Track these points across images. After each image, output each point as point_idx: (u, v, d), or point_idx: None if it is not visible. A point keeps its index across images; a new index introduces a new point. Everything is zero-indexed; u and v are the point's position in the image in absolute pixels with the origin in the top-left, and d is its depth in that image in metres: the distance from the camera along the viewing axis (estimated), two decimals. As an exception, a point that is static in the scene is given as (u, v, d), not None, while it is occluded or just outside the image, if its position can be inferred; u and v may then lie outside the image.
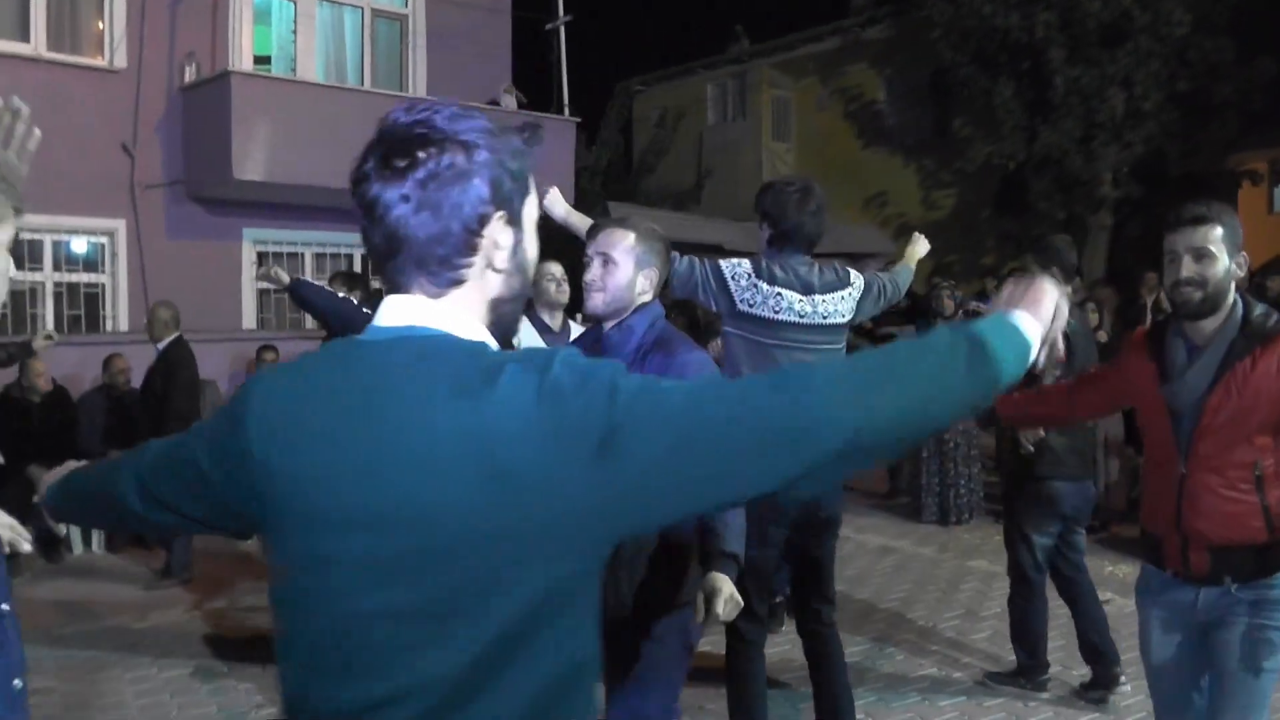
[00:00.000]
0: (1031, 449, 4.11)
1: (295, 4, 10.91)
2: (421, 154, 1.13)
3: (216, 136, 9.67)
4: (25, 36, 9.52)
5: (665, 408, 1.06)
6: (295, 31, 10.95)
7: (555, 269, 4.58)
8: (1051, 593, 4.38)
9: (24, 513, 2.07)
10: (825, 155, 19.02)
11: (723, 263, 3.38)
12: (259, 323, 11.08)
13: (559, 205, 3.26)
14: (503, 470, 1.04)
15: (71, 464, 1.67)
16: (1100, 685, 4.26)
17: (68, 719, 4.26)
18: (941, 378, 1.11)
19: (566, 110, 12.83)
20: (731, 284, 3.33)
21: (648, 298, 2.63)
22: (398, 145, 1.14)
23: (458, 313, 1.17)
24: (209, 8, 10.31)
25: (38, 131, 1.61)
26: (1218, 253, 2.46)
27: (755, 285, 3.32)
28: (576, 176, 13.47)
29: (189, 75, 10.14)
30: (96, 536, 7.18)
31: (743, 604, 2.42)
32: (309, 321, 9.43)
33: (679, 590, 2.54)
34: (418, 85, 11.65)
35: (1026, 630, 4.37)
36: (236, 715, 4.26)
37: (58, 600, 5.91)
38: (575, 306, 4.18)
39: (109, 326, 10.12)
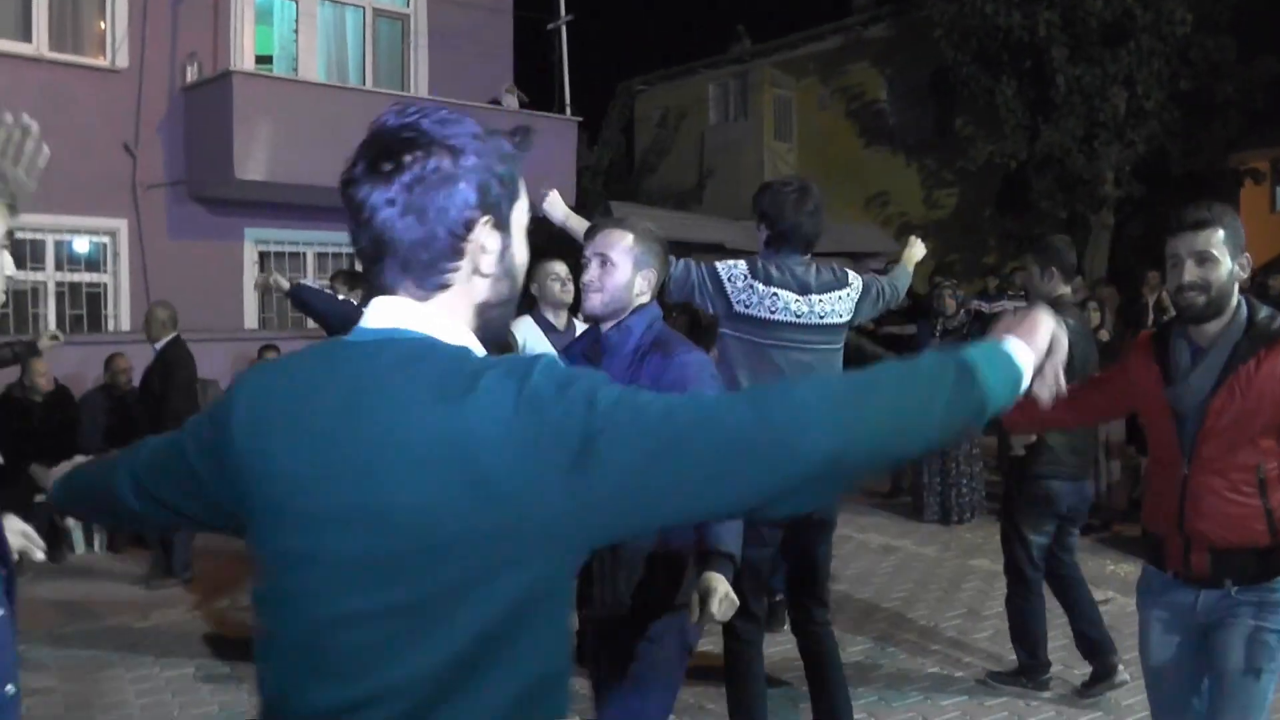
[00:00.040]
0: (1023, 452, 4.11)
1: (297, 4, 10.91)
2: (408, 158, 1.13)
3: (218, 136, 9.68)
4: (27, 36, 9.52)
5: (644, 418, 1.06)
6: (297, 31, 10.95)
7: (560, 268, 4.55)
8: (1047, 592, 4.37)
9: (25, 512, 2.07)
10: (827, 155, 19.02)
11: (719, 264, 3.37)
12: (261, 322, 11.08)
13: (558, 208, 3.23)
14: (482, 476, 1.04)
15: (79, 459, 1.67)
16: (1100, 679, 4.26)
17: (69, 719, 4.26)
18: (926, 402, 1.11)
19: (568, 110, 12.82)
20: (728, 285, 3.32)
21: (646, 298, 2.62)
22: (385, 148, 1.14)
23: (443, 317, 1.17)
24: (210, 7, 10.32)
25: (47, 149, 1.61)
26: (1220, 256, 2.45)
27: (751, 286, 3.32)
28: (578, 176, 13.46)
29: (190, 75, 10.15)
30: (98, 536, 7.19)
31: (739, 604, 2.42)
32: (310, 321, 9.42)
33: (677, 591, 2.53)
34: (419, 85, 11.63)
35: (1026, 630, 4.37)
36: (238, 714, 4.26)
37: (59, 600, 5.91)
38: (580, 306, 4.17)
39: (110, 326, 10.12)
